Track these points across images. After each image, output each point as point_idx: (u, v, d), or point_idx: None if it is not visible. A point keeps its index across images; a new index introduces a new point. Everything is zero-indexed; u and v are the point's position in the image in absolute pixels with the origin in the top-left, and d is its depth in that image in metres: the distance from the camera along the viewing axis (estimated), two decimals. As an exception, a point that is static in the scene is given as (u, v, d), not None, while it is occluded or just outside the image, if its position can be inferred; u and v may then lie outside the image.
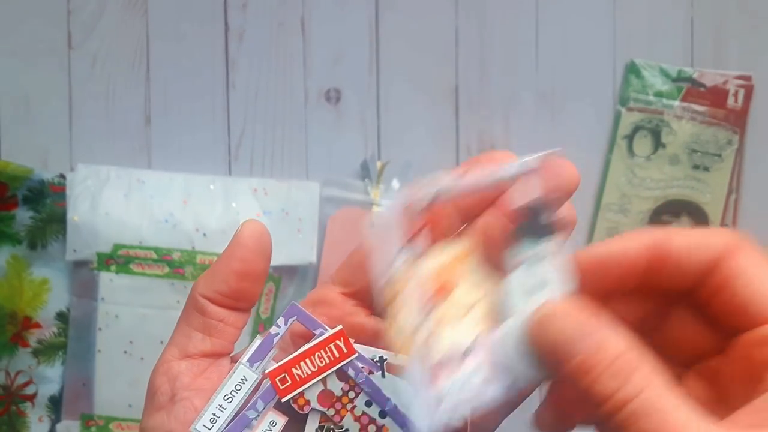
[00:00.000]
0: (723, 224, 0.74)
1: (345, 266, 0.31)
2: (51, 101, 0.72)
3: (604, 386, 0.24)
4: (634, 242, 0.28)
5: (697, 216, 0.74)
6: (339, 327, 0.29)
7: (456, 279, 0.27)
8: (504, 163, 0.27)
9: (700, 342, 0.29)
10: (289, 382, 0.28)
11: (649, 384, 0.24)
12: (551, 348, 0.25)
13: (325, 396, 0.28)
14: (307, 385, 0.28)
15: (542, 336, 0.25)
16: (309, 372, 0.28)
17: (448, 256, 0.27)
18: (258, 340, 0.29)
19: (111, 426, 0.69)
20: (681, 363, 0.29)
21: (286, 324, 0.29)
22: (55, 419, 0.70)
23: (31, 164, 0.69)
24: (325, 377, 0.28)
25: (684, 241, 0.28)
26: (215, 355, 0.30)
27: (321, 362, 0.28)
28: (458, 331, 0.26)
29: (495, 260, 0.27)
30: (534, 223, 0.26)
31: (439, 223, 0.27)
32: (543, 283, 0.26)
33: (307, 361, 0.28)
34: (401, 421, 0.28)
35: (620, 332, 0.25)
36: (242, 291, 0.30)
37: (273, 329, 0.29)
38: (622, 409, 0.24)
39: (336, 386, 0.29)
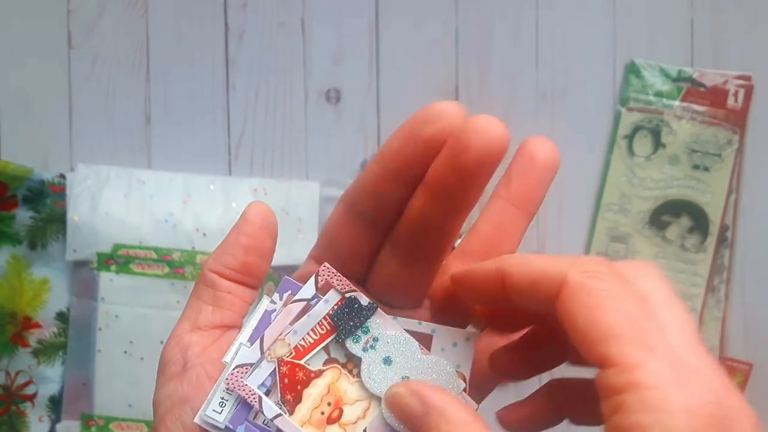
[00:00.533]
0: (723, 224, 0.74)
1: (318, 241, 0.31)
2: (51, 101, 0.72)
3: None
4: (490, 265, 0.27)
5: (697, 216, 0.74)
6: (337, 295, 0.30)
7: (340, 398, 0.29)
8: (303, 291, 0.29)
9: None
10: (293, 353, 0.29)
11: None
12: (406, 421, 0.27)
13: (331, 363, 0.29)
14: (310, 356, 0.29)
15: (397, 413, 0.27)
16: (311, 341, 0.29)
17: (323, 385, 0.29)
18: (254, 318, 0.29)
19: (111, 426, 0.69)
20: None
21: (281, 299, 0.29)
22: (55, 419, 0.70)
23: (31, 164, 0.69)
24: (327, 344, 0.29)
25: (521, 273, 0.26)
26: (224, 327, 0.31)
27: (322, 329, 0.29)
28: None
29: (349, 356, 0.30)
30: (350, 317, 0.29)
31: (293, 377, 0.29)
32: (387, 360, 0.29)
33: (310, 332, 0.29)
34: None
35: (462, 404, 0.27)
36: (249, 265, 0.31)
37: (269, 305, 0.29)
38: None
39: (339, 353, 0.29)
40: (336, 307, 0.29)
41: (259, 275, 0.31)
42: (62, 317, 0.70)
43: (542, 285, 0.25)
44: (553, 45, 0.74)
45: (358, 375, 0.29)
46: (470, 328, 0.30)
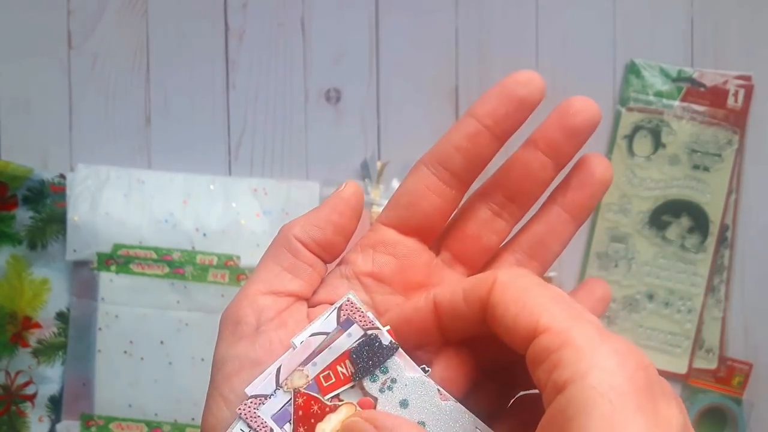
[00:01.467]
0: (723, 224, 0.74)
1: (392, 206, 0.32)
2: (51, 101, 0.72)
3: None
4: (422, 302, 0.29)
5: (697, 216, 0.74)
6: (387, 328, 0.30)
7: None
8: (323, 318, 0.29)
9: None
10: (333, 380, 0.29)
11: None
12: None
13: (366, 403, 0.29)
14: (344, 388, 0.29)
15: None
16: (332, 377, 0.29)
17: (337, 420, 0.29)
18: (315, 338, 0.29)
19: (111, 426, 0.69)
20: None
21: (342, 328, 0.29)
22: (55, 419, 0.70)
23: (31, 164, 0.69)
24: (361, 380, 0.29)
25: (447, 295, 0.28)
26: (298, 297, 0.31)
27: (342, 366, 0.29)
28: None
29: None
30: (369, 356, 0.29)
31: (307, 410, 0.29)
32: (404, 402, 0.28)
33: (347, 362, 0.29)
34: None
35: (412, 425, 0.27)
36: (334, 244, 0.31)
37: (325, 327, 0.29)
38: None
39: (356, 391, 0.29)
40: (357, 343, 0.29)
41: (337, 254, 0.31)
42: (62, 317, 0.70)
43: (474, 293, 0.27)
44: (553, 45, 0.74)
45: (373, 397, 0.29)
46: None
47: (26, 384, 0.70)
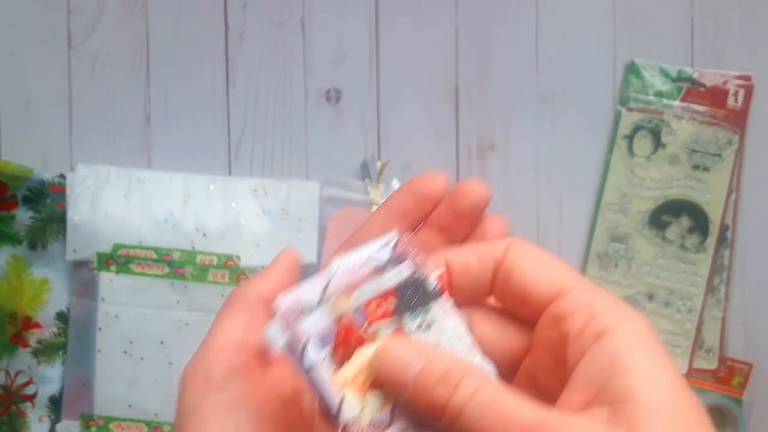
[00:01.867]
0: (723, 224, 0.74)
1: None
2: (51, 101, 0.72)
3: (437, 397, 0.25)
4: (433, 264, 0.31)
5: (697, 216, 0.74)
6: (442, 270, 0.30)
7: None
8: (377, 247, 0.30)
9: (511, 345, 0.30)
10: (377, 311, 0.29)
11: (480, 386, 0.25)
12: (390, 379, 0.27)
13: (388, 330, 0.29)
14: (386, 321, 0.29)
15: (380, 371, 0.27)
16: (376, 305, 0.29)
17: (373, 351, 0.29)
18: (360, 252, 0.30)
19: (111, 426, 0.69)
20: (503, 373, 0.30)
21: (395, 262, 0.30)
22: (55, 419, 0.70)
23: (31, 164, 0.69)
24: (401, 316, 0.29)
25: (461, 257, 0.30)
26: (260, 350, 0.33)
27: (387, 298, 0.29)
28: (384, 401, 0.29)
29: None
30: (414, 293, 0.29)
31: (349, 336, 0.29)
32: (436, 343, 0.29)
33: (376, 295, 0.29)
34: None
35: (445, 351, 0.28)
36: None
37: (378, 256, 0.29)
38: (460, 415, 0.25)
39: (411, 324, 0.29)
40: (405, 279, 0.29)
41: None
42: (62, 317, 0.70)
43: (488, 255, 0.30)
44: (553, 45, 0.74)
45: (409, 333, 0.29)
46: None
47: (26, 384, 0.70)
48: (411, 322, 0.29)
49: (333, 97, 0.74)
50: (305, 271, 0.71)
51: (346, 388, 0.28)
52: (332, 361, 0.28)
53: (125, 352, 0.68)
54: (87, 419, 0.69)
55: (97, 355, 0.68)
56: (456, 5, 0.74)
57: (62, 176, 0.70)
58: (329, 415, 0.28)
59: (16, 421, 0.70)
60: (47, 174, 0.70)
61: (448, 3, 0.74)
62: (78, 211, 0.69)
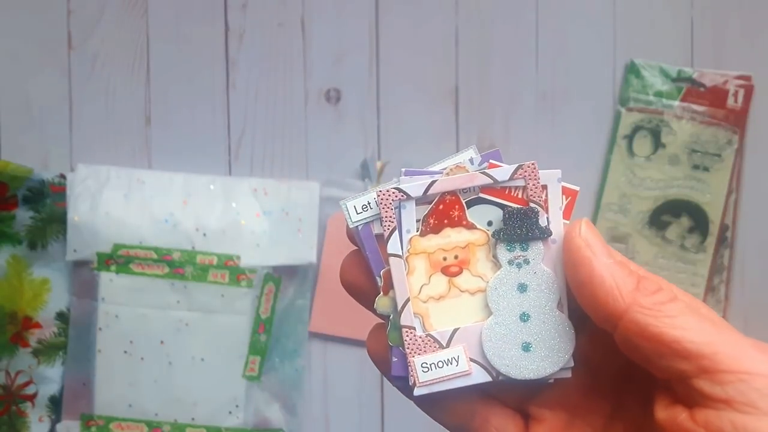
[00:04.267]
0: (723, 224, 0.74)
1: None
2: (51, 101, 0.72)
3: (651, 280, 0.26)
4: None
5: (697, 216, 0.74)
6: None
7: (468, 261, 0.28)
8: (499, 170, 0.28)
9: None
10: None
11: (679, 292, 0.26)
12: (596, 244, 0.26)
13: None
14: (479, 232, 0.28)
15: (588, 234, 0.27)
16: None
17: (464, 238, 0.28)
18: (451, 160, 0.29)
19: (111, 426, 0.69)
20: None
21: (479, 162, 0.28)
22: (55, 419, 0.70)
23: (31, 164, 0.69)
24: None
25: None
26: None
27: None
28: (450, 313, 0.28)
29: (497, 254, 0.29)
30: (520, 226, 0.28)
31: (448, 212, 0.28)
32: (523, 286, 0.28)
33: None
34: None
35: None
36: None
37: (498, 174, 0.28)
38: (675, 300, 0.25)
39: (504, 255, 0.28)
40: (516, 208, 0.28)
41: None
42: (62, 317, 0.70)
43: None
44: (553, 45, 0.74)
45: (498, 262, 0.28)
46: None
47: (26, 384, 0.70)
48: (504, 254, 0.28)
49: (333, 97, 0.74)
50: (305, 271, 0.71)
51: (417, 257, 0.28)
52: (421, 225, 0.28)
53: (125, 352, 0.68)
54: (87, 419, 0.69)
55: (97, 355, 0.68)
56: (456, 5, 0.74)
57: (62, 176, 0.70)
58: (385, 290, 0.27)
59: (17, 421, 0.70)
60: (47, 174, 0.70)
61: (448, 3, 0.74)
62: (78, 211, 0.69)
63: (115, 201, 0.69)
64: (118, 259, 0.68)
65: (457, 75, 0.74)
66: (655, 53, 0.74)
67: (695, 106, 0.74)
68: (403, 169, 0.28)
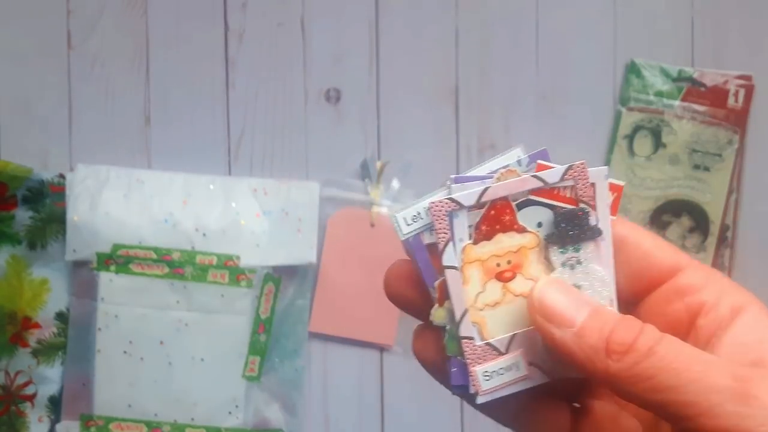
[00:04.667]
0: (723, 224, 0.74)
1: None
2: (51, 101, 0.72)
3: (622, 337, 0.24)
4: None
5: (698, 216, 0.74)
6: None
7: (521, 265, 0.28)
8: (548, 172, 0.28)
9: None
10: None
11: (663, 335, 0.25)
12: (552, 315, 0.26)
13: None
14: (529, 235, 0.28)
15: (542, 306, 0.26)
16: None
17: (516, 242, 0.28)
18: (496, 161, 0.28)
19: (110, 426, 0.68)
20: None
21: (526, 163, 0.28)
22: (55, 419, 0.70)
23: (30, 164, 0.69)
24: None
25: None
26: None
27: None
28: (506, 319, 0.28)
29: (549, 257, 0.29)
30: (575, 226, 0.28)
31: (499, 217, 0.28)
32: (576, 287, 0.28)
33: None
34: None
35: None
36: None
37: (548, 176, 0.28)
38: (649, 356, 0.24)
39: (556, 257, 0.28)
40: (566, 209, 0.28)
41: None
42: (62, 317, 0.70)
43: None
44: (553, 45, 0.74)
45: (550, 264, 0.28)
46: None
47: (26, 384, 0.70)
48: (557, 256, 0.28)
49: (333, 97, 0.74)
50: (305, 271, 0.71)
51: (471, 266, 0.27)
52: (473, 233, 0.28)
53: (125, 352, 0.68)
54: (87, 419, 0.69)
55: (97, 356, 0.68)
56: (456, 5, 0.74)
57: (62, 176, 0.70)
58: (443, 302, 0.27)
59: (16, 421, 0.70)
60: (47, 174, 0.70)
61: (448, 3, 0.74)
62: (78, 211, 0.69)
63: (115, 201, 0.69)
64: (118, 259, 0.68)
65: (457, 75, 0.74)
66: (655, 53, 0.74)
67: (696, 106, 0.74)
68: (452, 176, 0.28)
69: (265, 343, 0.70)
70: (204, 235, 0.69)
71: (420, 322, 0.29)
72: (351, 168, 0.73)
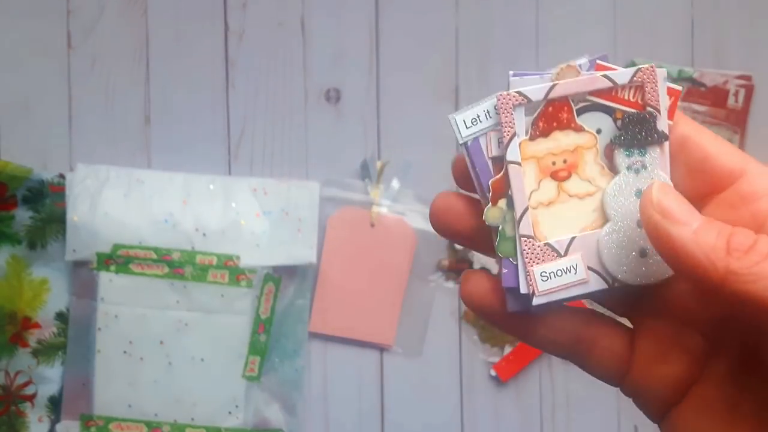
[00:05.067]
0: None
1: None
2: (51, 101, 0.72)
3: (740, 240, 0.24)
4: None
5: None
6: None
7: (576, 165, 0.28)
8: (618, 69, 0.28)
9: None
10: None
11: None
12: (670, 213, 0.25)
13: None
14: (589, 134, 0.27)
15: (660, 204, 0.25)
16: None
17: (572, 141, 0.28)
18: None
19: (110, 426, 0.68)
20: None
21: (588, 65, 0.28)
22: (55, 419, 0.70)
23: (30, 164, 0.69)
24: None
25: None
26: None
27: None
28: (559, 219, 0.27)
29: (611, 160, 0.28)
30: (641, 130, 0.27)
31: (557, 115, 0.27)
32: (640, 192, 0.27)
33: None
34: None
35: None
36: None
37: (617, 76, 0.27)
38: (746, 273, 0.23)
39: (622, 161, 0.28)
40: (634, 112, 0.27)
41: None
42: (62, 317, 0.70)
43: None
44: (553, 45, 0.74)
45: (607, 164, 0.28)
46: None
47: (26, 384, 0.70)
48: (623, 159, 0.27)
49: (333, 97, 0.74)
50: (305, 271, 0.71)
51: (527, 162, 0.27)
52: (531, 129, 0.27)
53: (125, 352, 0.68)
54: (86, 419, 0.69)
55: (97, 356, 0.68)
56: (456, 5, 0.74)
57: (62, 176, 0.70)
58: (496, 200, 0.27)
59: (16, 421, 0.70)
60: (47, 174, 0.70)
61: (448, 3, 0.74)
62: (77, 211, 0.69)
63: (115, 201, 0.69)
64: (118, 259, 0.68)
65: (457, 75, 0.74)
66: (655, 53, 0.74)
67: (696, 106, 0.74)
68: (511, 72, 0.28)
69: (265, 343, 0.70)
70: (204, 235, 0.69)
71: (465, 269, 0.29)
72: (351, 168, 0.73)
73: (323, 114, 0.73)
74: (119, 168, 0.71)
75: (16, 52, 0.72)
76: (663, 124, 0.27)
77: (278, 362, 0.71)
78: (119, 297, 0.68)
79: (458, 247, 0.73)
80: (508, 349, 0.74)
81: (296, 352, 0.72)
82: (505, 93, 0.27)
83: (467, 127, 0.28)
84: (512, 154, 0.27)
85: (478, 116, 0.28)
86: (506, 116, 0.27)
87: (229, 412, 0.69)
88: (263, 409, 0.71)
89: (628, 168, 0.27)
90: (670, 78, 0.74)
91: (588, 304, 0.31)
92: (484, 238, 0.28)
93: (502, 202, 0.27)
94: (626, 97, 0.27)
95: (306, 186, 0.72)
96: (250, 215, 0.70)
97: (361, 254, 0.72)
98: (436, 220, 0.29)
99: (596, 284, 0.27)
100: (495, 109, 0.27)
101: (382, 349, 0.73)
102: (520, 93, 0.27)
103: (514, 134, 0.27)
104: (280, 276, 0.70)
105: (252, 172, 0.73)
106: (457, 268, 0.74)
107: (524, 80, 0.27)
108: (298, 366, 0.72)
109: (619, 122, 0.27)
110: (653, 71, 0.27)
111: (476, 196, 0.28)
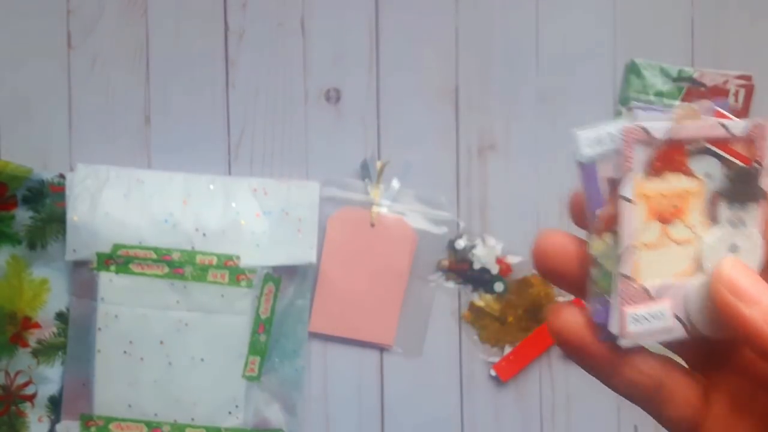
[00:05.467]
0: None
1: None
2: (50, 101, 0.72)
3: None
4: None
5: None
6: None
7: (683, 210, 0.27)
8: (735, 119, 0.27)
9: None
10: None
11: None
12: (740, 292, 0.25)
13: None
14: (695, 182, 0.27)
15: (731, 282, 0.25)
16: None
17: (683, 185, 0.27)
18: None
19: (110, 426, 0.68)
20: None
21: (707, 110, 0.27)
22: (55, 419, 0.70)
23: (30, 164, 0.69)
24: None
25: None
26: None
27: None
28: (657, 263, 0.27)
29: (713, 208, 0.28)
30: (745, 185, 0.27)
31: (672, 156, 0.27)
32: (734, 247, 0.27)
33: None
34: None
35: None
36: None
37: (733, 127, 0.27)
38: None
39: (724, 212, 0.28)
40: (742, 165, 0.27)
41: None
42: (62, 317, 0.70)
43: None
44: (553, 45, 0.74)
45: (711, 213, 0.27)
46: None
47: (26, 384, 0.70)
48: (724, 211, 0.27)
49: (333, 97, 0.74)
50: (305, 271, 0.71)
51: (640, 202, 0.27)
52: (647, 167, 0.27)
53: (125, 352, 0.68)
54: (86, 419, 0.69)
55: (97, 356, 0.68)
56: (456, 5, 0.74)
57: (62, 176, 0.70)
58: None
59: (16, 421, 0.70)
60: (47, 174, 0.70)
61: (448, 3, 0.74)
62: (77, 211, 0.69)
63: (115, 201, 0.69)
64: (118, 259, 0.68)
65: (457, 75, 0.74)
66: (655, 53, 0.74)
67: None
68: (634, 102, 0.28)
69: (265, 343, 0.70)
70: (204, 235, 0.69)
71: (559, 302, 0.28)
72: (351, 168, 0.73)
73: (323, 114, 0.73)
74: (119, 168, 0.71)
75: (16, 52, 0.72)
76: (765, 181, 0.27)
77: (278, 362, 0.71)
78: (119, 297, 0.68)
79: (458, 247, 0.73)
80: (508, 349, 0.74)
81: (296, 352, 0.72)
82: (630, 125, 0.26)
83: (588, 147, 0.27)
84: (626, 190, 0.26)
85: (600, 139, 0.27)
86: (628, 149, 0.26)
87: (229, 412, 0.69)
88: (263, 409, 0.71)
89: (729, 221, 0.27)
90: (670, 78, 0.74)
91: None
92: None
93: (607, 236, 0.27)
94: (737, 149, 0.27)
95: (306, 186, 0.72)
96: (250, 215, 0.70)
97: (361, 254, 0.72)
98: (542, 263, 0.28)
99: (679, 333, 0.27)
100: (618, 137, 0.27)
101: (382, 349, 0.73)
102: (644, 129, 0.27)
103: (631, 169, 0.27)
104: (280, 276, 0.70)
105: (252, 172, 0.73)
106: (457, 268, 0.74)
107: (647, 115, 0.27)
108: (298, 366, 0.72)
109: (728, 172, 0.27)
110: (765, 128, 0.27)
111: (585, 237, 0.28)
